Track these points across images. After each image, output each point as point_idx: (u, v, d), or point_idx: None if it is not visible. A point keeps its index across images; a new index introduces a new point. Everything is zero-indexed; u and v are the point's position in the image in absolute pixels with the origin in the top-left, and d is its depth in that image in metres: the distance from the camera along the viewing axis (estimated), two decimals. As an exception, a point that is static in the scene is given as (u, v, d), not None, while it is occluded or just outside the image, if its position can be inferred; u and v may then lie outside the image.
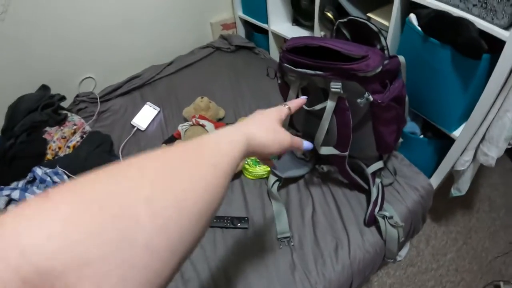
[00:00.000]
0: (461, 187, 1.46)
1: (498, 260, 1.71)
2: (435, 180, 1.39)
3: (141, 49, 2.11)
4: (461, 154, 1.31)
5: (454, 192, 1.49)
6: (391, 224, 1.14)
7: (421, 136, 1.39)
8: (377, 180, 1.25)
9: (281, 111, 0.60)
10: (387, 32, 1.33)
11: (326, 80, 1.01)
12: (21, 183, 1.39)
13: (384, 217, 1.15)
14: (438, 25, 1.10)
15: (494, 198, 2.00)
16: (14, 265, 0.16)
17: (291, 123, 1.29)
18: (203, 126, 1.50)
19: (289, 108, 0.63)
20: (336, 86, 0.98)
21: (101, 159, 1.52)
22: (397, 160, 1.37)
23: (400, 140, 1.28)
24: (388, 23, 1.32)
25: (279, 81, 1.18)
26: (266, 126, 0.52)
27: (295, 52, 1.04)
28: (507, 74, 1.04)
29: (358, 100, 0.99)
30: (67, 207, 0.22)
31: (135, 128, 1.76)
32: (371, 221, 1.19)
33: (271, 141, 0.51)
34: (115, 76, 2.02)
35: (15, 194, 1.32)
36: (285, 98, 1.19)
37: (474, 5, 1.06)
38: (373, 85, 0.98)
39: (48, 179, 1.38)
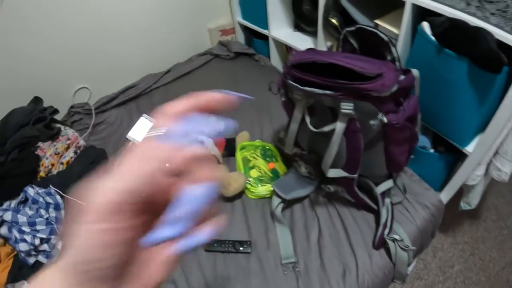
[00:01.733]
0: (471, 201, 1.41)
1: (506, 270, 1.66)
2: (445, 195, 1.34)
3: (137, 56, 2.03)
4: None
5: (463, 205, 1.44)
6: (401, 248, 1.09)
7: (432, 150, 1.33)
8: (387, 200, 1.19)
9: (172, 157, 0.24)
10: (396, 40, 1.26)
11: (335, 100, 0.94)
12: (13, 203, 1.33)
13: (394, 240, 1.09)
14: (454, 35, 1.03)
15: (501, 206, 1.95)
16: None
17: (295, 141, 1.22)
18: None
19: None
20: (347, 107, 0.91)
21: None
22: (407, 176, 1.31)
23: (411, 156, 1.22)
24: (397, 31, 1.24)
25: (283, 98, 1.11)
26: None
27: (301, 67, 0.97)
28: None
29: (371, 122, 0.92)
30: None
31: (131, 142, 1.68)
32: (380, 244, 1.13)
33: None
34: (110, 86, 1.95)
35: (7, 216, 1.25)
36: (290, 116, 1.12)
37: (492, 14, 0.99)
38: (387, 105, 0.91)
39: (41, 199, 1.32)
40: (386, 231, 1.13)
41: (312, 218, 1.25)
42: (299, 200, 1.30)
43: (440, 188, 1.33)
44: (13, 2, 1.51)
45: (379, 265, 1.12)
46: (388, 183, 1.18)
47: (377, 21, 1.33)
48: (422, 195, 1.25)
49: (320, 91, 0.93)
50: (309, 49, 1.07)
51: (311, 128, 1.03)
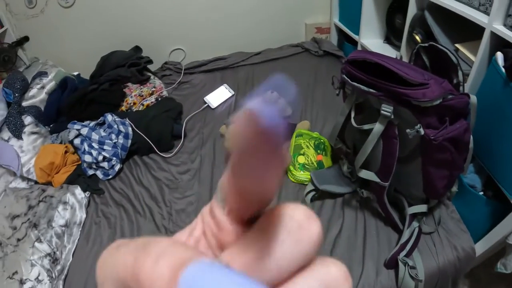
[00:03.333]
0: (509, 264, 1.25)
1: None
2: (481, 246, 1.21)
3: (233, 34, 2.22)
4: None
5: (499, 267, 1.28)
6: (410, 275, 1.04)
7: (481, 193, 1.22)
8: (414, 224, 1.14)
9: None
10: (471, 67, 1.19)
11: (379, 100, 0.95)
12: (92, 123, 1.57)
13: (406, 264, 1.05)
14: None
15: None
16: None
17: (341, 135, 1.23)
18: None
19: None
20: (387, 109, 0.92)
21: (165, 123, 1.64)
22: (447, 210, 1.23)
23: (455, 189, 1.14)
24: (475, 58, 1.18)
25: (337, 92, 1.14)
26: None
27: (356, 65, 0.99)
28: None
29: (408, 131, 0.91)
30: None
31: (206, 105, 1.86)
32: (392, 264, 1.09)
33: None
34: (203, 53, 2.16)
35: (84, 131, 1.50)
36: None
37: None
38: (429, 118, 0.89)
39: (115, 126, 1.54)
40: (403, 253, 1.09)
41: (338, 216, 1.26)
42: (332, 196, 1.31)
43: (479, 237, 1.21)
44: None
45: (383, 284, 1.08)
46: (421, 207, 1.13)
47: (457, 45, 1.27)
48: (456, 235, 1.16)
49: (365, 88, 0.95)
50: (368, 51, 1.09)
51: (353, 123, 1.05)
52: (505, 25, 1.06)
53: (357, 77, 0.97)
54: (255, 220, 0.17)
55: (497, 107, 1.04)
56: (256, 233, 0.15)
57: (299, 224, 0.15)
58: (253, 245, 0.15)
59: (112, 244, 0.17)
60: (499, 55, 1.00)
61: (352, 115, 1.07)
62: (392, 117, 0.93)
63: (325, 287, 0.15)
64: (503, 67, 0.99)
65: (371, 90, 0.93)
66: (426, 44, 1.05)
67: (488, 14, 1.11)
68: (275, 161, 0.14)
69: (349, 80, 1.00)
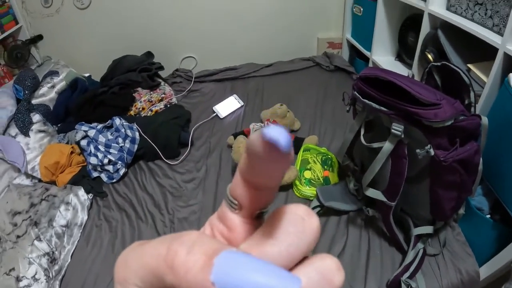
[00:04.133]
0: None
1: None
2: (486, 270, 1.18)
3: (245, 44, 2.23)
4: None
5: None
6: (413, 297, 1.02)
7: (488, 216, 1.19)
8: (419, 245, 1.12)
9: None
10: (483, 88, 1.18)
11: (390, 119, 0.94)
12: (100, 126, 1.58)
13: (409, 286, 1.03)
14: None
15: None
16: None
17: (349, 152, 1.22)
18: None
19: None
20: (397, 128, 0.91)
21: (173, 130, 1.64)
22: (453, 232, 1.21)
23: (462, 211, 1.12)
24: (487, 78, 1.17)
25: (347, 108, 1.13)
26: None
27: (368, 81, 0.99)
28: None
29: (418, 151, 0.90)
30: None
31: (214, 114, 1.86)
32: (394, 285, 1.07)
33: None
34: (214, 62, 2.17)
35: (91, 132, 1.50)
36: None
37: None
38: (440, 139, 0.88)
39: (123, 130, 1.54)
40: (406, 274, 1.07)
41: (342, 234, 1.24)
42: (337, 213, 1.30)
43: (484, 261, 1.19)
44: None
45: (384, 305, 1.06)
46: (427, 229, 1.11)
47: (470, 65, 1.26)
48: (461, 259, 1.14)
49: (376, 106, 0.94)
50: (380, 68, 1.08)
51: (363, 140, 1.04)
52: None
53: (369, 94, 0.97)
54: (261, 222, 0.20)
55: (508, 129, 1.02)
56: (267, 227, 0.18)
57: (302, 218, 0.18)
58: (267, 237, 0.17)
59: (130, 245, 0.19)
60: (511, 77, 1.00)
61: (362, 132, 1.06)
62: (403, 136, 0.91)
63: (321, 275, 0.16)
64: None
65: (382, 108, 0.93)
66: (439, 64, 1.05)
67: (501, 35, 1.11)
68: (284, 165, 0.16)
69: (360, 97, 1.00)
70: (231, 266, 0.14)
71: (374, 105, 0.95)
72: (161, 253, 0.16)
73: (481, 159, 0.98)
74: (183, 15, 2.03)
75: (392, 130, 0.92)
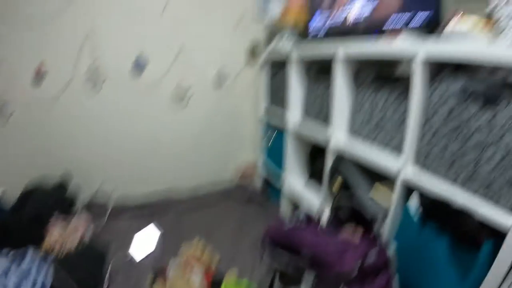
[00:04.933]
0: None
1: None
2: None
3: (163, 170, 2.36)
4: None
5: None
6: None
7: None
8: None
9: None
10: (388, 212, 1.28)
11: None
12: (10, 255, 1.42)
13: None
14: (437, 213, 1.05)
15: None
16: None
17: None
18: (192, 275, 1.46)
19: None
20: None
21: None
22: None
23: None
24: (391, 201, 1.28)
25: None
26: None
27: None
28: (510, 265, 0.90)
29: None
30: None
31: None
32: None
33: None
34: (133, 187, 2.26)
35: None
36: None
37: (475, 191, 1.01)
38: (351, 281, 0.92)
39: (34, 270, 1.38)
40: None
41: None
42: None
43: None
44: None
45: None
46: None
47: (373, 192, 1.38)
48: None
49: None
50: (289, 228, 1.15)
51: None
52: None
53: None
54: None
55: (415, 248, 1.10)
56: None
57: None
58: None
59: None
60: (413, 201, 1.11)
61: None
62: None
63: None
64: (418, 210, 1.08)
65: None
66: (343, 205, 1.15)
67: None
68: None
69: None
70: None
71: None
72: None
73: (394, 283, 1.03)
74: (100, 142, 2.11)
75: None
